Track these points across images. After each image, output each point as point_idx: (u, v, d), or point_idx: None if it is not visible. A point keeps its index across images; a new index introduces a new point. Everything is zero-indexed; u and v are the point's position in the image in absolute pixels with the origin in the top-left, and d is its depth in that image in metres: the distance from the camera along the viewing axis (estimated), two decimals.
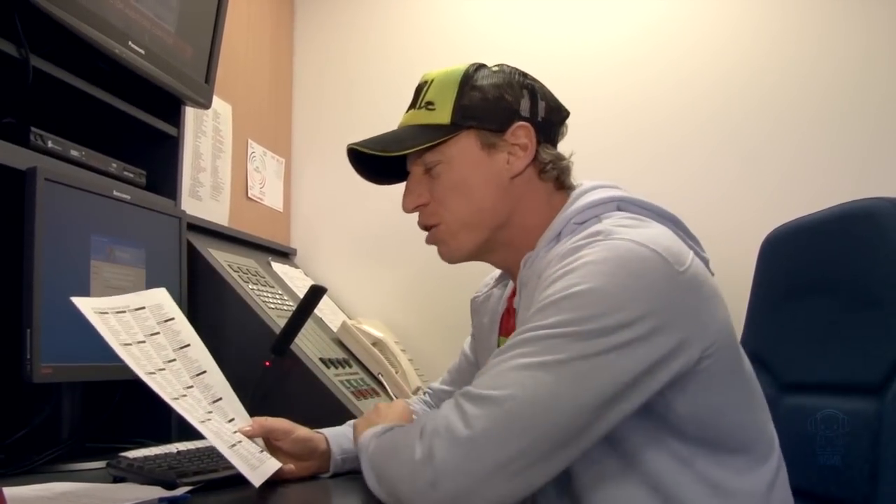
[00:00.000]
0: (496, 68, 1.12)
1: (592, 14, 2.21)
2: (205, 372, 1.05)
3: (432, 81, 1.11)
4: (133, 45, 1.41)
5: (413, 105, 1.13)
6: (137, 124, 1.56)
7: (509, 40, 2.28)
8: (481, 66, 1.11)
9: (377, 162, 1.11)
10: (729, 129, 2.04)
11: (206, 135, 1.98)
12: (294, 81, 2.55)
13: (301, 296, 1.59)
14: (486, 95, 1.08)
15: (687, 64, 2.10)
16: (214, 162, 2.02)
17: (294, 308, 1.57)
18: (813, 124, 1.96)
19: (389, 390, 1.77)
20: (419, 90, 1.13)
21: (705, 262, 1.02)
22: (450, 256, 1.13)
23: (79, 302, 0.95)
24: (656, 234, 0.94)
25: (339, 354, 1.79)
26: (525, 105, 1.09)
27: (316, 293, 1.55)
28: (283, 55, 2.50)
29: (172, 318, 1.07)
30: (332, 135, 2.42)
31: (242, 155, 2.19)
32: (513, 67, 1.13)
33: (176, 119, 1.68)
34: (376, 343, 1.89)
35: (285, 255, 2.34)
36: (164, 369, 0.98)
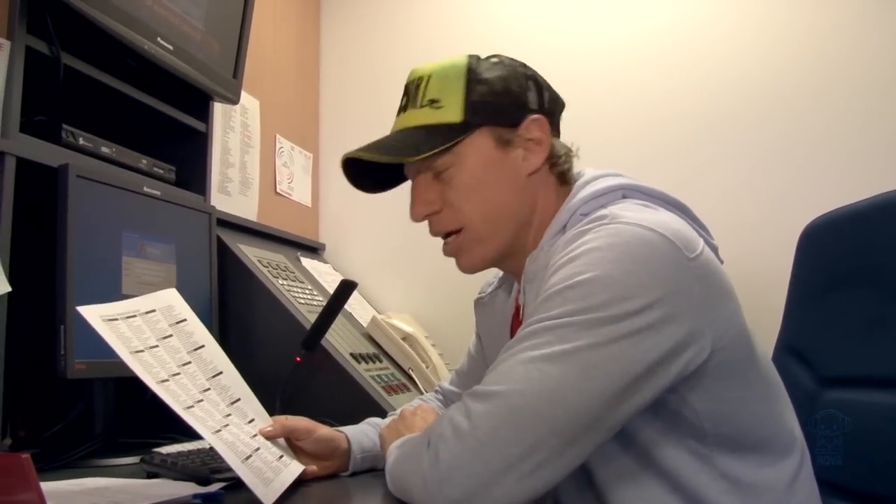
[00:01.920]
0: (496, 59, 1.05)
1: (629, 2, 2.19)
2: (221, 373, 1.02)
3: (429, 77, 1.03)
4: (161, 42, 1.41)
5: (411, 104, 1.04)
6: (166, 120, 1.57)
7: (536, 32, 2.26)
8: (480, 58, 1.05)
9: (370, 170, 1.06)
10: (762, 119, 1.99)
11: (234, 130, 1.99)
12: (321, 76, 2.54)
13: (330, 291, 1.59)
14: (493, 89, 1.01)
15: (720, 52, 2.06)
16: (243, 157, 2.03)
17: (324, 303, 1.57)
18: (850, 113, 1.91)
19: (420, 385, 1.76)
20: (414, 87, 1.05)
21: (714, 249, 0.98)
22: (472, 265, 1.07)
23: (85, 311, 0.91)
24: (665, 219, 0.90)
25: (370, 349, 1.78)
26: (532, 97, 1.04)
27: (346, 288, 1.54)
28: (310, 50, 2.50)
29: (185, 320, 1.04)
30: (359, 129, 2.38)
31: (270, 150, 2.19)
32: (511, 58, 1.07)
33: (204, 115, 1.69)
34: (406, 338, 1.89)
35: (314, 250, 2.34)
36: (178, 374, 0.95)
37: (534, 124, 1.03)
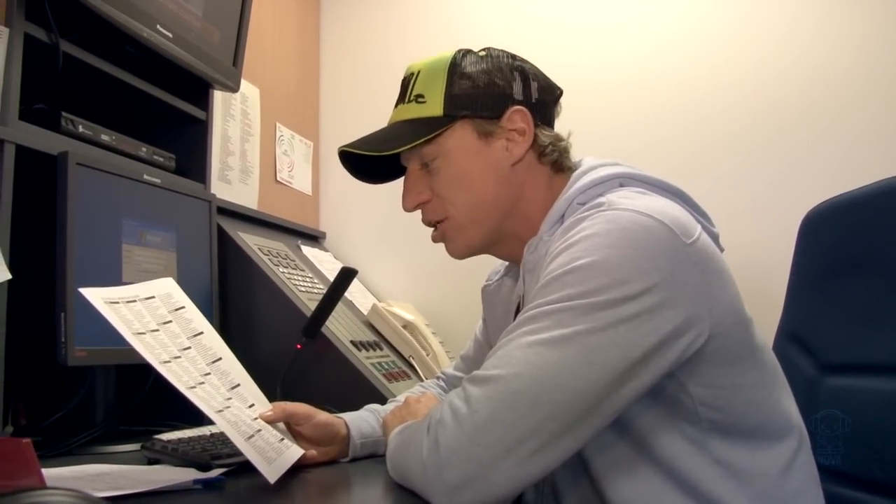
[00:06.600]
0: (483, 53, 1.08)
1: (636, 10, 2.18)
2: (220, 359, 1.03)
3: (419, 73, 1.08)
4: (161, 29, 1.40)
5: (402, 99, 1.10)
6: (166, 108, 1.56)
7: (540, 13, 2.25)
8: (468, 53, 1.08)
9: (370, 162, 1.09)
10: (764, 108, 1.99)
11: (234, 118, 1.98)
12: (321, 64, 2.54)
13: (331, 279, 1.59)
14: (476, 82, 1.05)
15: (722, 42, 2.05)
16: (243, 145, 2.02)
17: (324, 291, 1.57)
18: (851, 101, 1.91)
19: (420, 373, 1.77)
20: (406, 83, 1.10)
21: (715, 237, 0.98)
22: (457, 252, 1.11)
23: (87, 293, 0.93)
24: (661, 205, 0.91)
25: (370, 337, 1.78)
26: (517, 88, 1.06)
27: (347, 275, 1.54)
28: (310, 38, 2.49)
29: (183, 307, 1.05)
30: (359, 117, 2.40)
31: (271, 138, 2.19)
32: (501, 50, 1.09)
33: (204, 103, 1.69)
34: (407, 325, 1.89)
35: (314, 238, 2.34)
36: (179, 357, 0.96)
37: (516, 115, 1.05)
